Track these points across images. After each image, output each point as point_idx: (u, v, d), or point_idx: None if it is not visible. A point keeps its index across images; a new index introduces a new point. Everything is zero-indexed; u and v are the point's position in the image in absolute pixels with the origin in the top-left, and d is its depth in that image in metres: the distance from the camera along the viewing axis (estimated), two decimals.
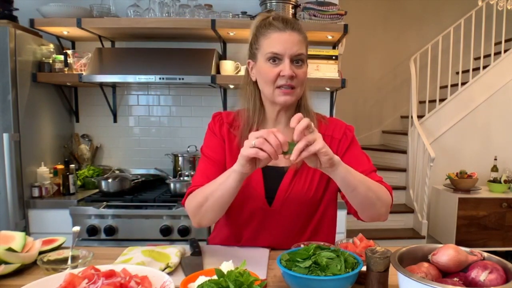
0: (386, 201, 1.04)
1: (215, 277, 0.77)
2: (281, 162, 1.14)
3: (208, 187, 1.03)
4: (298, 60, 1.08)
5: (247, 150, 0.88)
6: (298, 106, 1.17)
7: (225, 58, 2.51)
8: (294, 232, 1.17)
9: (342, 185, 0.96)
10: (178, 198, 2.13)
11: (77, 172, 2.35)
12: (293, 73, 1.06)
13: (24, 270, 1.00)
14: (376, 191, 1.01)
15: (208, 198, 1.01)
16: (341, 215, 2.13)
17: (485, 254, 0.83)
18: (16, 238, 1.05)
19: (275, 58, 1.07)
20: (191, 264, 1.01)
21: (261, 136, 0.87)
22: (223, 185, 0.98)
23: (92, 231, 1.98)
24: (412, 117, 4.02)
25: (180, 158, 2.44)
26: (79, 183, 2.35)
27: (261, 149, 0.86)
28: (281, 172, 1.15)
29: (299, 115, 0.87)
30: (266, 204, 1.14)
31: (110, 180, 2.17)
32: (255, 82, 1.15)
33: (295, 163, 1.07)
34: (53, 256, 1.00)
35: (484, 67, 4.07)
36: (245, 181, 1.09)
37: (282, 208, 1.14)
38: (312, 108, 1.20)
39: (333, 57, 2.38)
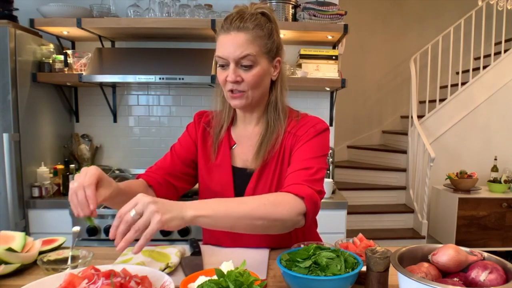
0: (285, 216, 0.92)
1: (215, 277, 0.77)
2: (251, 163, 1.12)
3: (130, 182, 1.10)
4: (245, 63, 1.02)
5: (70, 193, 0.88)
6: (268, 103, 1.13)
7: None
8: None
9: (218, 229, 0.93)
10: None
11: (77, 172, 2.35)
12: (237, 77, 1.02)
13: (24, 270, 1.00)
14: (270, 214, 0.90)
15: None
16: (341, 215, 2.14)
17: (485, 254, 0.83)
18: (16, 238, 1.05)
19: (222, 64, 1.04)
20: (191, 264, 1.01)
21: (71, 187, 0.87)
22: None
23: (92, 231, 1.98)
24: (412, 117, 4.02)
25: None
26: None
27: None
28: (248, 172, 1.13)
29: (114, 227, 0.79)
30: None
31: None
32: None
33: (257, 166, 1.09)
34: (53, 256, 1.00)
35: (484, 67, 4.07)
36: (216, 183, 1.14)
37: None
38: (285, 105, 1.15)
39: (333, 57, 2.38)
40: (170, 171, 1.19)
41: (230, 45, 1.01)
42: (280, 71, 1.12)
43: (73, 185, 0.87)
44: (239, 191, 1.14)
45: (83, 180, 0.87)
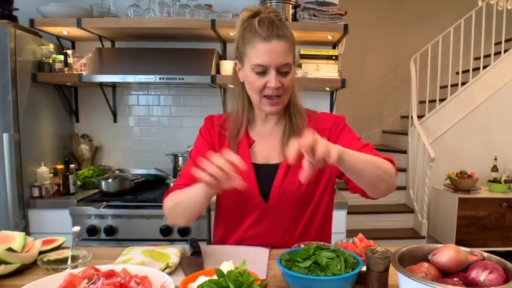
0: (392, 173, 1.04)
1: (215, 277, 0.77)
2: (273, 159, 1.16)
3: (181, 193, 1.08)
4: (284, 70, 1.07)
5: (203, 175, 0.88)
6: (288, 104, 1.17)
7: (225, 58, 2.51)
8: (289, 228, 1.18)
9: (348, 172, 0.96)
10: None
11: (77, 172, 2.35)
12: (279, 84, 1.07)
13: (24, 270, 1.00)
14: (382, 166, 1.00)
15: (180, 204, 1.07)
16: (341, 215, 2.13)
17: (485, 254, 0.83)
18: (16, 238, 1.05)
19: (261, 71, 1.07)
20: (191, 264, 1.01)
21: (217, 165, 0.86)
22: (193, 196, 1.03)
23: (92, 231, 1.98)
24: (412, 117, 4.02)
25: (180, 158, 2.44)
26: (79, 183, 2.35)
27: (215, 177, 0.86)
28: (273, 168, 1.16)
29: (295, 146, 0.83)
30: (262, 201, 1.15)
31: (110, 180, 2.17)
32: (243, 83, 1.16)
33: (284, 159, 1.12)
34: (53, 256, 1.00)
35: (484, 67, 4.07)
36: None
37: (278, 203, 1.15)
38: (301, 104, 1.20)
39: (333, 57, 2.38)
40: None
41: (272, 53, 1.05)
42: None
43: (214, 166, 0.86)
44: (263, 186, 1.15)
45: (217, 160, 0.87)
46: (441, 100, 4.12)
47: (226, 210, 1.23)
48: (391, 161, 1.06)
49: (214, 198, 1.24)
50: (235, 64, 1.16)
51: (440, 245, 0.84)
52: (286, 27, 1.09)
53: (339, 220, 2.14)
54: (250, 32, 1.08)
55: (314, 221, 1.20)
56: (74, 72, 2.27)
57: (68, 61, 2.30)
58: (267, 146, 1.18)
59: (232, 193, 1.14)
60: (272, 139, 1.19)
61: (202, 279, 0.79)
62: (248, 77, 1.10)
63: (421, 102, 4.54)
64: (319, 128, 1.16)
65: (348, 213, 2.19)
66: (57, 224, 2.06)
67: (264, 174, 1.16)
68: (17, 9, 2.17)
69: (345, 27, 2.23)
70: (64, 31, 2.31)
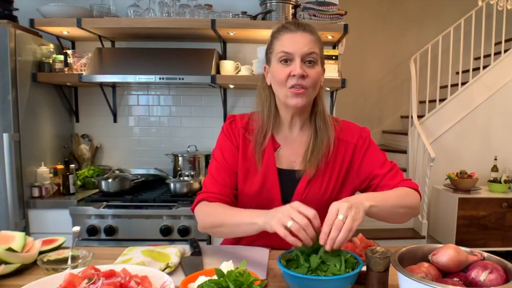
0: (417, 204, 1.09)
1: (215, 277, 0.77)
2: (297, 165, 1.16)
3: (227, 215, 1.04)
4: (310, 59, 1.07)
5: (279, 227, 0.85)
6: (314, 111, 1.17)
7: (225, 58, 2.52)
8: None
9: (375, 218, 1.01)
10: (178, 198, 2.13)
11: (77, 172, 2.35)
12: (304, 72, 1.05)
13: (24, 270, 1.00)
14: (408, 203, 1.06)
15: (224, 225, 1.04)
16: None
17: (485, 254, 0.83)
18: (16, 238, 1.05)
19: (286, 59, 1.07)
20: (191, 264, 1.01)
21: (298, 222, 0.84)
22: (243, 227, 0.99)
23: (92, 231, 1.98)
24: (412, 117, 4.02)
25: (180, 158, 2.44)
26: (79, 183, 2.35)
27: (294, 234, 0.84)
28: (296, 175, 1.15)
29: (332, 215, 0.86)
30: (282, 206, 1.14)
31: (110, 180, 2.17)
32: (270, 87, 1.15)
33: (307, 172, 1.13)
34: (53, 256, 1.00)
35: (484, 67, 4.06)
36: (261, 184, 1.14)
37: None
38: (328, 112, 1.20)
39: (333, 57, 2.37)
40: (233, 185, 1.17)
41: (298, 41, 1.07)
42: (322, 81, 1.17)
43: (299, 221, 0.85)
44: (286, 193, 1.14)
45: (308, 213, 0.87)
46: (441, 100, 4.12)
47: None
48: (416, 189, 1.11)
49: None
50: (264, 68, 1.18)
51: (440, 245, 0.84)
52: (314, 28, 1.12)
53: None
54: (278, 30, 1.12)
55: None
56: (74, 72, 2.27)
57: (68, 61, 2.30)
58: (292, 152, 1.17)
59: (253, 195, 1.15)
60: (298, 144, 1.18)
61: (202, 279, 0.79)
62: (274, 71, 1.10)
63: (421, 102, 4.54)
64: (344, 140, 1.17)
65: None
66: (57, 224, 2.06)
67: (287, 179, 1.15)
68: (17, 9, 2.18)
69: (345, 27, 2.23)
70: (64, 31, 2.31)
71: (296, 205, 0.87)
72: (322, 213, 1.15)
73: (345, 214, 0.84)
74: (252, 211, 0.99)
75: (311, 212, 0.86)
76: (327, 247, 0.83)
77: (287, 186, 1.14)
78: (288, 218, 0.85)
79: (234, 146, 1.18)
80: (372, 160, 1.15)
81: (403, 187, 1.10)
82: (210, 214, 1.08)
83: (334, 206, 0.87)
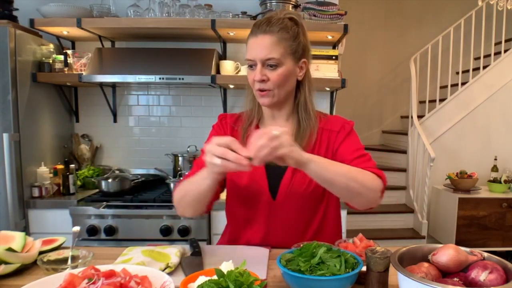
0: (374, 188, 1.03)
1: (215, 277, 0.77)
2: None
3: (188, 184, 1.09)
4: (270, 64, 1.09)
5: (212, 167, 0.92)
6: (297, 103, 1.20)
7: (225, 58, 2.51)
8: (300, 228, 1.19)
9: (318, 180, 0.98)
10: None
11: (77, 172, 2.35)
12: (264, 77, 1.09)
13: (24, 270, 1.00)
14: (361, 179, 1.01)
15: (187, 194, 1.08)
16: (341, 215, 2.13)
17: (485, 254, 0.83)
18: (16, 238, 1.05)
19: (251, 64, 1.11)
20: (191, 264, 1.01)
21: (224, 144, 0.88)
22: (199, 185, 1.04)
23: (92, 231, 1.98)
24: (412, 117, 4.02)
25: (180, 158, 2.44)
26: (79, 183, 2.35)
27: (224, 158, 0.88)
28: (283, 166, 1.15)
29: (258, 133, 0.88)
30: (270, 198, 1.17)
31: (110, 180, 2.17)
32: None
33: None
34: (53, 256, 1.00)
35: (484, 67, 4.06)
36: (249, 177, 1.16)
37: (285, 201, 1.16)
38: (313, 105, 1.21)
39: (333, 57, 2.38)
40: None
41: (257, 47, 1.09)
42: (306, 72, 1.18)
43: (213, 150, 0.89)
44: (273, 185, 1.17)
45: (221, 141, 0.89)
46: (441, 100, 4.12)
47: (235, 208, 1.24)
48: (381, 176, 1.07)
49: (224, 197, 1.25)
50: None
51: (440, 245, 0.84)
52: (283, 24, 1.10)
53: None
54: (249, 33, 1.13)
55: (327, 221, 1.21)
56: (74, 72, 2.27)
57: (68, 61, 2.30)
58: None
59: (242, 188, 1.17)
60: None
61: (202, 279, 0.79)
62: (247, 73, 1.15)
63: (421, 102, 4.54)
64: (328, 129, 1.19)
65: (348, 213, 2.20)
66: (57, 224, 2.06)
67: (274, 171, 1.17)
68: (17, 9, 2.17)
69: (345, 27, 2.23)
70: (64, 31, 2.31)
71: (213, 140, 0.90)
72: (308, 205, 1.18)
73: (280, 134, 0.87)
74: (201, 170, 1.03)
75: (226, 139, 0.89)
76: (253, 155, 0.86)
77: (274, 178, 1.17)
78: (211, 155, 0.89)
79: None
80: (347, 147, 1.16)
81: (366, 170, 1.07)
82: (178, 190, 1.12)
83: (276, 127, 0.88)
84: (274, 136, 0.86)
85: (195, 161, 1.25)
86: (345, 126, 1.20)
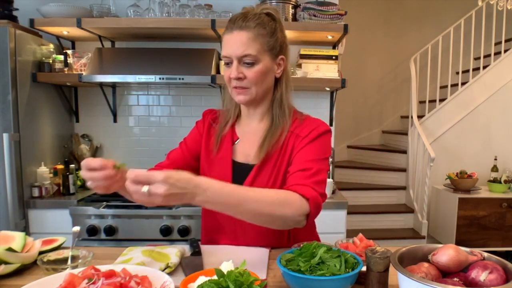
0: (286, 215, 0.95)
1: (215, 277, 0.77)
2: (252, 158, 1.14)
3: None
4: (247, 61, 1.05)
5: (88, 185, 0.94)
6: (273, 100, 1.16)
7: None
8: (270, 230, 1.06)
9: (219, 210, 0.92)
10: None
11: (77, 172, 2.35)
12: (239, 74, 1.06)
13: (24, 270, 1.00)
14: (274, 211, 0.92)
15: None
16: (341, 215, 2.14)
17: (485, 254, 0.83)
18: (16, 238, 1.05)
19: (227, 61, 1.08)
20: (191, 264, 1.01)
21: (86, 177, 0.91)
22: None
23: (92, 231, 1.98)
24: (412, 117, 4.02)
25: None
26: (79, 183, 2.35)
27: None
28: (250, 168, 1.14)
29: (131, 176, 0.81)
30: None
31: None
32: None
33: (259, 160, 1.11)
34: (53, 256, 1.00)
35: (484, 67, 4.07)
36: (215, 176, 1.09)
37: None
38: (290, 103, 1.17)
39: (333, 57, 2.38)
40: (180, 166, 1.21)
41: (232, 44, 1.06)
42: (284, 69, 1.15)
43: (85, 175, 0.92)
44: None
45: (84, 165, 0.92)
46: (441, 100, 4.12)
47: (206, 211, 1.23)
48: (309, 198, 0.97)
49: None
50: None
51: (440, 245, 0.84)
52: (259, 20, 1.06)
53: (339, 220, 2.14)
54: (224, 30, 1.10)
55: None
56: (74, 72, 2.27)
57: (68, 61, 2.30)
58: (249, 145, 1.17)
59: None
60: (254, 138, 1.16)
61: (202, 279, 0.79)
62: (224, 71, 1.12)
63: (421, 102, 4.54)
64: (296, 134, 1.13)
65: (348, 213, 2.20)
66: (57, 224, 2.06)
67: (240, 173, 1.15)
68: (17, 9, 2.18)
69: (345, 27, 2.23)
70: (64, 31, 2.31)
71: (83, 163, 0.92)
72: None
73: (151, 191, 0.80)
74: None
75: (83, 164, 0.91)
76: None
77: (238, 178, 1.14)
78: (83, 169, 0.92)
79: (199, 132, 1.25)
80: (300, 156, 1.08)
81: (292, 191, 0.98)
82: None
83: (160, 176, 0.79)
84: (144, 193, 0.80)
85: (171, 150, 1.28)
86: (312, 132, 1.11)
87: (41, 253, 1.05)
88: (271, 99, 1.16)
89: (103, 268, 0.83)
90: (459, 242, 3.34)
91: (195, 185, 0.84)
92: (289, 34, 2.34)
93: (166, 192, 0.80)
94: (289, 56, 1.18)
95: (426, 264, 0.81)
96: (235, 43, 1.05)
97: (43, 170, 2.17)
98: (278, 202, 0.94)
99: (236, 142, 1.20)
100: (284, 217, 0.95)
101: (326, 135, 1.13)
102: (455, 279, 0.78)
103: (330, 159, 2.47)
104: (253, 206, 0.91)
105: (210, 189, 0.86)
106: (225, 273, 0.76)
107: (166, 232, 2.00)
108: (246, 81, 1.07)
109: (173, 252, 1.04)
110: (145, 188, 0.79)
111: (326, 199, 1.06)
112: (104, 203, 2.05)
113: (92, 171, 0.90)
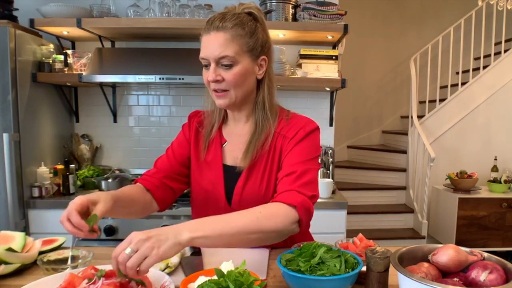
0: (278, 227, 0.93)
1: (215, 277, 0.77)
2: (241, 161, 1.12)
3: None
4: (225, 63, 1.02)
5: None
6: (256, 103, 1.12)
7: None
8: None
9: (214, 246, 0.90)
10: (178, 198, 2.12)
11: (77, 172, 2.35)
12: (218, 77, 1.02)
13: (24, 270, 1.00)
14: (261, 226, 0.90)
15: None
16: (341, 215, 2.14)
17: (485, 254, 0.83)
18: (16, 238, 1.05)
19: (205, 64, 1.05)
20: (191, 264, 1.01)
21: (62, 219, 0.96)
22: None
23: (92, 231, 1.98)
24: (412, 117, 4.02)
25: None
26: (79, 183, 2.34)
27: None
28: (239, 171, 1.13)
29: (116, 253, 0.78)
30: (227, 204, 1.14)
31: (110, 180, 2.17)
32: None
33: (246, 165, 1.10)
34: (53, 256, 1.00)
35: (484, 67, 4.07)
36: (207, 181, 1.14)
37: (240, 208, 1.04)
38: (275, 104, 1.14)
39: (333, 57, 2.38)
40: (168, 174, 1.20)
41: (209, 45, 1.02)
42: (266, 70, 1.10)
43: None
44: (229, 189, 1.14)
45: (66, 212, 0.95)
46: (441, 100, 4.12)
47: (197, 212, 1.22)
48: (296, 205, 0.95)
49: None
50: None
51: (440, 245, 0.84)
52: (238, 20, 1.03)
53: (339, 220, 2.14)
54: (202, 31, 1.06)
55: None
56: (74, 72, 2.27)
57: (68, 61, 2.30)
58: (237, 147, 1.15)
59: (205, 191, 1.16)
60: (241, 139, 1.14)
61: (202, 279, 0.79)
62: (203, 73, 1.09)
63: (421, 102, 4.54)
64: (283, 135, 1.11)
65: (348, 213, 2.20)
66: (57, 224, 2.03)
67: (231, 176, 1.13)
68: (17, 9, 2.17)
69: (345, 27, 2.23)
70: (64, 31, 2.31)
71: (68, 211, 0.95)
72: None
73: (134, 248, 0.76)
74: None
75: (67, 210, 0.96)
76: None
77: (230, 183, 1.13)
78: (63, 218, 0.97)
79: (185, 138, 1.22)
80: (289, 159, 1.07)
81: (278, 202, 0.97)
82: None
83: (130, 236, 0.79)
84: (127, 256, 0.77)
85: (158, 158, 1.29)
86: (299, 133, 1.08)
87: (41, 253, 1.05)
88: (254, 101, 1.13)
89: (103, 268, 0.83)
90: (459, 242, 3.34)
91: (171, 227, 0.83)
92: (289, 34, 2.34)
93: (147, 236, 0.78)
94: (273, 56, 1.13)
95: (426, 264, 0.81)
96: (212, 44, 1.01)
97: (43, 170, 2.17)
98: (264, 216, 0.92)
99: (224, 145, 1.18)
100: (275, 230, 0.93)
101: (313, 133, 1.11)
102: (455, 279, 0.78)
103: (330, 159, 2.47)
104: (241, 224, 0.89)
105: (188, 223, 0.86)
106: (225, 273, 0.76)
107: None
108: (225, 84, 1.03)
109: None
110: (127, 250, 0.77)
111: (316, 200, 1.04)
112: None
113: (69, 223, 0.95)
